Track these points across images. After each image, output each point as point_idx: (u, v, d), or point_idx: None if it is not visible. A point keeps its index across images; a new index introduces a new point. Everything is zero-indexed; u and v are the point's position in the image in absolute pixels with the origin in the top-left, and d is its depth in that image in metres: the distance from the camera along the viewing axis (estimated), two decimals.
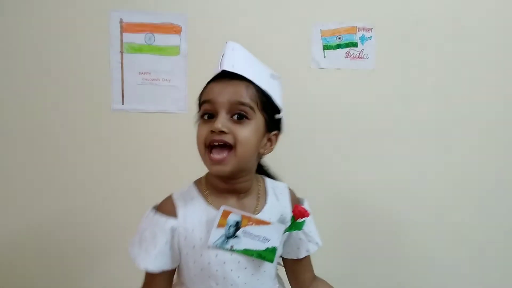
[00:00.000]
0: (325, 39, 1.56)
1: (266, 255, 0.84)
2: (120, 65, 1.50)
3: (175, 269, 0.89)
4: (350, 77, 1.57)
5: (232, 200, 0.87)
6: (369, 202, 1.62)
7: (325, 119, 1.58)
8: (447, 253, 1.65)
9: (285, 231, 0.86)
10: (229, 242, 0.82)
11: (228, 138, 0.80)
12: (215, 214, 0.83)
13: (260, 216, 0.86)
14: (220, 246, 0.82)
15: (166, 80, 1.52)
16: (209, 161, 0.82)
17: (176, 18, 1.50)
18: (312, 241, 0.95)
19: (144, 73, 1.51)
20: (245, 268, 0.85)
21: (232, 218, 0.82)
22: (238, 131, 0.80)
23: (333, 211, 1.59)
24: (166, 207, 0.85)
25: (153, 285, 0.86)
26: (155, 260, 0.82)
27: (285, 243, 0.95)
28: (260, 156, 0.90)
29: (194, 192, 0.88)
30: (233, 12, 1.53)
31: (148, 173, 1.53)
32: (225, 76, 0.83)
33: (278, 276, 0.98)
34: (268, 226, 0.84)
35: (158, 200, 0.90)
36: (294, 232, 0.92)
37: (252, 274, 0.86)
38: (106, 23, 1.48)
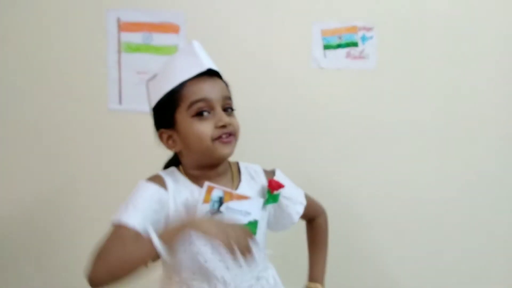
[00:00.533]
0: (326, 38, 1.54)
1: (249, 228, 0.88)
2: (117, 64, 1.50)
3: None
4: (351, 77, 1.56)
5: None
6: (369, 203, 1.61)
7: (325, 119, 1.57)
8: (449, 254, 1.64)
9: (264, 204, 0.92)
10: (215, 218, 0.87)
11: (232, 129, 0.89)
12: (198, 192, 0.88)
13: (238, 191, 0.92)
14: None
15: None
16: (219, 146, 0.87)
17: (174, 17, 1.49)
18: (297, 202, 1.02)
19: (142, 72, 1.50)
20: None
21: (216, 193, 0.87)
22: (233, 121, 0.90)
23: (332, 211, 1.57)
24: (157, 180, 0.90)
25: (120, 240, 0.79)
26: (141, 217, 0.80)
27: (277, 216, 1.01)
28: None
29: (177, 173, 0.94)
30: (232, 11, 1.52)
31: (144, 173, 1.51)
32: (203, 74, 0.88)
33: (271, 265, 1.01)
34: (248, 200, 0.90)
35: None
36: (280, 203, 0.98)
37: None
38: (104, 22, 1.48)
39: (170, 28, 1.49)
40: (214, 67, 0.91)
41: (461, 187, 1.62)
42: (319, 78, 1.56)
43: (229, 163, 0.98)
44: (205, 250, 0.87)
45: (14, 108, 1.50)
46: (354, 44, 1.55)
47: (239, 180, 0.96)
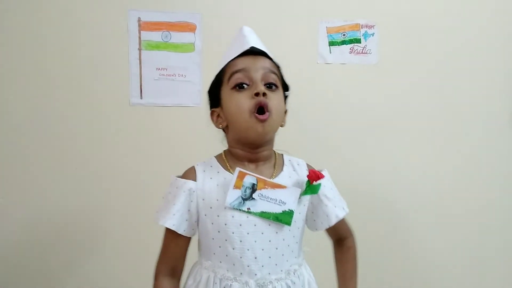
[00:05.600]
0: (331, 35, 1.64)
1: (283, 217, 0.85)
2: (138, 61, 1.57)
3: (189, 240, 0.92)
4: (354, 71, 1.64)
5: (251, 167, 0.90)
6: (372, 195, 1.66)
7: (330, 112, 1.65)
8: (447, 248, 1.69)
9: (301, 194, 0.88)
10: (246, 204, 0.84)
11: (266, 102, 0.84)
12: (231, 178, 0.86)
13: (275, 180, 0.88)
14: (237, 207, 0.84)
15: (182, 75, 1.59)
16: (254, 122, 0.84)
17: (190, 17, 1.58)
18: (338, 206, 0.95)
19: (161, 69, 1.58)
20: (262, 233, 0.85)
21: (248, 180, 0.85)
22: (271, 97, 0.85)
23: None
24: (187, 173, 0.91)
25: (169, 246, 0.91)
26: (173, 217, 0.86)
27: (314, 214, 0.95)
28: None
29: (214, 161, 0.93)
30: (244, 11, 1.60)
31: (164, 164, 1.57)
32: (248, 54, 0.88)
33: (305, 263, 0.97)
34: (284, 190, 0.86)
35: None
36: (320, 201, 0.93)
37: (270, 241, 0.86)
38: (125, 21, 1.56)
39: (187, 27, 1.58)
40: (260, 46, 0.89)
41: (459, 178, 1.68)
42: (325, 72, 1.64)
43: (275, 153, 0.95)
44: (234, 238, 0.85)
45: (38, 104, 1.55)
46: (357, 41, 1.64)
47: (281, 170, 0.92)
